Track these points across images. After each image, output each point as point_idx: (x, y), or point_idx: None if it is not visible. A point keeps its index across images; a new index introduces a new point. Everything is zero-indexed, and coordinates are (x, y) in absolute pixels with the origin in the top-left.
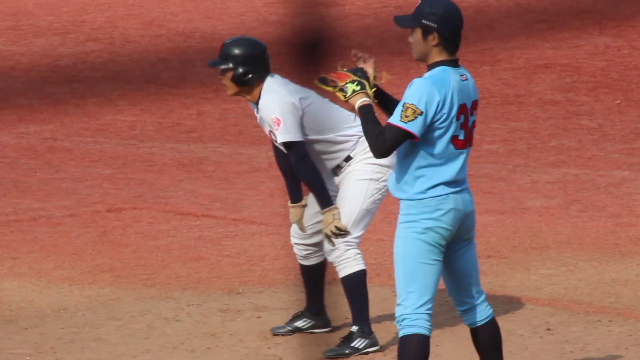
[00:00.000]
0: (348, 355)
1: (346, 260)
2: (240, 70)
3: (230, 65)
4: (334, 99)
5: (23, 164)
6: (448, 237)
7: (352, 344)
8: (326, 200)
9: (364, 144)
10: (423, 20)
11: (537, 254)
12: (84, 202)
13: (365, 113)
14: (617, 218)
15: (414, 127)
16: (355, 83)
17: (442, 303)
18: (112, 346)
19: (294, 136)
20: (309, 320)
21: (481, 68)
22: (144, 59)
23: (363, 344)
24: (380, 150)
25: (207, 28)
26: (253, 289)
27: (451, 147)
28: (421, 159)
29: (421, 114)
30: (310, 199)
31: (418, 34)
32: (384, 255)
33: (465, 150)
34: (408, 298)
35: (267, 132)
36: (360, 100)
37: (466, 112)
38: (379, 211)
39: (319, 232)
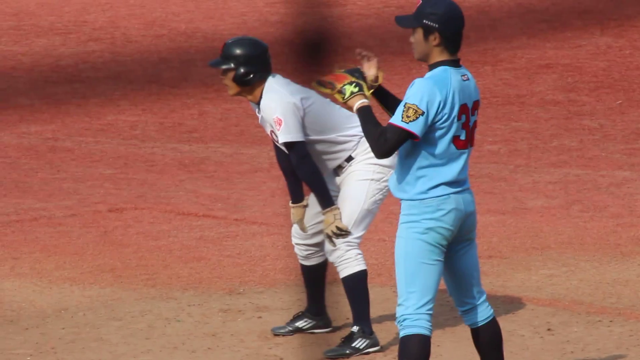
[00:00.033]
0: (349, 355)
1: (347, 260)
2: (242, 70)
3: (232, 65)
4: (333, 100)
5: (24, 164)
6: (449, 238)
7: (353, 344)
8: (327, 201)
9: (365, 144)
10: (424, 20)
11: (538, 254)
12: (85, 202)
13: (364, 114)
14: (618, 218)
15: (416, 127)
16: (353, 84)
17: (443, 303)
18: (113, 346)
19: (295, 136)
20: (309, 321)
21: (483, 68)
22: (146, 59)
23: (364, 344)
24: (381, 150)
25: (209, 28)
26: (254, 289)
27: (452, 147)
28: (422, 159)
29: (422, 114)
30: (312, 199)
31: (419, 34)
32: (385, 256)
33: (466, 150)
34: (409, 298)
35: (269, 132)
36: (359, 102)
37: (467, 112)
38: (380, 211)
39: (320, 232)
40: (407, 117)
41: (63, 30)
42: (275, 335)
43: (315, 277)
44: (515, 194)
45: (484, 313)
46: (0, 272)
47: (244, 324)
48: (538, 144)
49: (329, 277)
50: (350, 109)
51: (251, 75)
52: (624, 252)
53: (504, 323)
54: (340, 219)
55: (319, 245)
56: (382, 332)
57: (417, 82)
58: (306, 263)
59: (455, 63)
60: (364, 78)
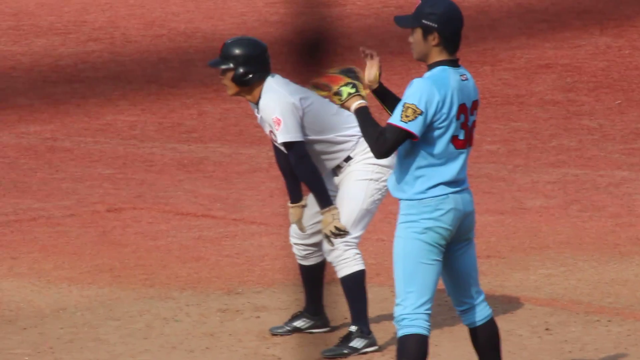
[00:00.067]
0: (347, 355)
1: (345, 260)
2: (241, 70)
3: (231, 65)
4: (331, 102)
5: (23, 164)
6: (448, 237)
7: (351, 344)
8: (326, 201)
9: (363, 144)
10: (423, 20)
11: (536, 254)
12: (84, 202)
13: (362, 115)
14: (616, 218)
15: (414, 127)
16: (350, 85)
17: (441, 303)
18: (111, 346)
19: (294, 136)
20: (307, 320)
21: (482, 68)
22: (145, 59)
23: (362, 344)
24: (381, 150)
25: (208, 28)
26: (252, 289)
27: (451, 147)
28: (421, 159)
29: (421, 113)
30: (310, 199)
31: (418, 34)
32: (384, 255)
33: (465, 150)
34: (407, 298)
35: (268, 132)
36: (356, 103)
37: (466, 112)
38: (378, 211)
39: (318, 232)
40: (406, 116)
41: (62, 30)
42: (274, 335)
43: (314, 277)
44: (514, 193)
45: (482, 313)
46: None
47: (242, 323)
48: (537, 143)
49: (327, 277)
50: (348, 110)
51: (250, 75)
52: (622, 251)
53: (502, 323)
54: (339, 218)
55: (318, 245)
56: (380, 331)
57: (416, 82)
58: (304, 263)
59: (454, 63)
60: (358, 78)
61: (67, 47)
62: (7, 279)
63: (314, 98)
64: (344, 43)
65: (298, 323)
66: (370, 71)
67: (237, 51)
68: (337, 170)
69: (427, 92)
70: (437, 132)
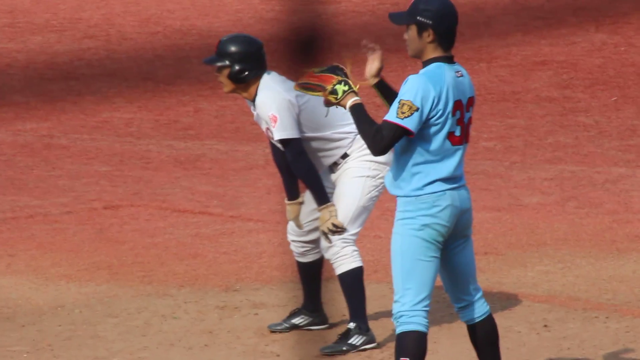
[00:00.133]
0: (345, 352)
1: (343, 257)
2: (237, 67)
3: (227, 62)
4: (326, 101)
5: (20, 161)
6: (445, 234)
7: (350, 341)
8: (323, 198)
9: (360, 141)
10: (418, 17)
11: (534, 250)
12: (81, 199)
13: (358, 112)
14: (614, 215)
15: (410, 124)
16: (343, 83)
17: (439, 300)
18: (110, 343)
19: (290, 133)
20: (306, 317)
21: (478, 65)
22: (141, 56)
23: (360, 341)
24: (378, 148)
25: (204, 25)
26: (250, 286)
27: (447, 143)
28: (418, 155)
29: (417, 110)
30: (307, 196)
31: (413, 30)
32: (381, 252)
33: (461, 146)
34: (405, 295)
35: (264, 130)
36: (351, 100)
37: (462, 108)
38: (375, 208)
39: (315, 229)
40: (402, 113)
41: (58, 28)
42: (272, 332)
43: (312, 274)
44: (511, 190)
45: (480, 309)
46: None
47: (240, 320)
48: (533, 140)
49: (325, 274)
50: (343, 107)
51: (246, 73)
52: (619, 248)
53: (500, 319)
54: (336, 215)
55: (315, 242)
56: (378, 328)
57: (411, 78)
58: (302, 260)
59: (449, 59)
60: (346, 75)
61: (63, 44)
62: (4, 276)
63: (310, 95)
64: (340, 40)
65: (296, 320)
66: (372, 65)
67: (233, 48)
68: (334, 167)
69: (422, 88)
70: (433, 129)
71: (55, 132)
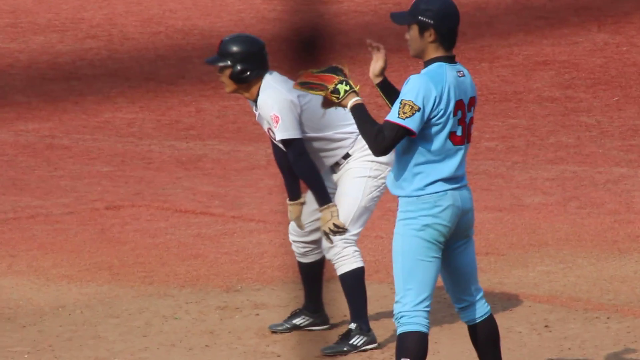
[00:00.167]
0: (346, 352)
1: (344, 257)
2: (239, 67)
3: (229, 62)
4: (327, 101)
5: (21, 161)
6: (447, 234)
7: (351, 342)
8: (324, 198)
9: (362, 142)
10: (419, 17)
11: (535, 251)
12: (82, 199)
13: (359, 112)
14: (615, 215)
15: (412, 124)
16: (344, 83)
17: (440, 300)
18: (111, 344)
19: (292, 133)
20: (307, 318)
21: (480, 65)
22: (143, 57)
23: (361, 341)
24: (379, 148)
25: (206, 25)
26: (251, 286)
27: (449, 143)
28: (419, 155)
29: (419, 110)
30: (309, 197)
31: (415, 30)
32: (382, 253)
33: (463, 146)
34: (406, 295)
35: (266, 130)
36: (353, 100)
37: (463, 108)
38: (377, 208)
39: (317, 229)
40: (404, 113)
41: (60, 28)
42: (273, 332)
43: (313, 274)
44: (513, 190)
45: (481, 310)
46: None
47: (241, 321)
48: (535, 140)
49: (326, 275)
50: (344, 108)
51: (248, 73)
52: (621, 248)
53: (501, 320)
54: (338, 216)
55: (317, 243)
56: (379, 329)
57: (413, 78)
58: (303, 260)
59: (450, 59)
60: (345, 75)
61: (65, 44)
62: (6, 277)
63: (312, 95)
64: (341, 40)
65: (297, 320)
66: (376, 65)
67: (234, 48)
68: (335, 167)
69: (424, 88)
70: (434, 129)
71: (57, 133)
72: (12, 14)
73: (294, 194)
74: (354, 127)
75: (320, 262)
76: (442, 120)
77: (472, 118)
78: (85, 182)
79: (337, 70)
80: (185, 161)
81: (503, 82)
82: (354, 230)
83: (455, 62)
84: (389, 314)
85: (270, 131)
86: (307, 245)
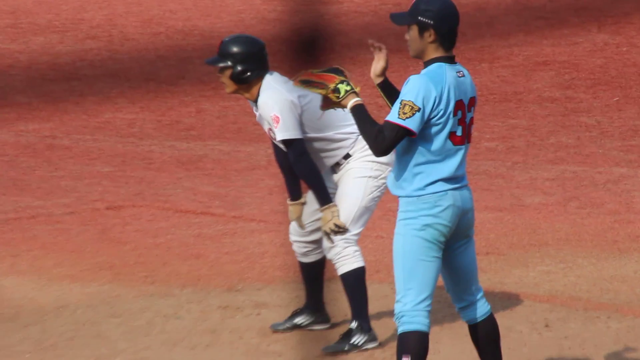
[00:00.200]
0: (347, 351)
1: (345, 257)
2: (239, 68)
3: (229, 63)
4: (327, 100)
5: (22, 162)
6: (447, 234)
7: (352, 341)
8: (325, 198)
9: (362, 142)
10: (419, 17)
11: (535, 250)
12: (83, 199)
13: (360, 113)
14: (615, 215)
15: (412, 124)
16: (345, 83)
17: (441, 300)
18: (113, 343)
19: (293, 134)
20: (308, 317)
21: (480, 65)
22: (143, 57)
23: (362, 340)
24: (380, 148)
25: (206, 26)
26: (252, 286)
27: (449, 143)
28: (419, 155)
29: (419, 110)
30: (309, 197)
31: (414, 31)
32: (383, 252)
33: (463, 146)
34: (407, 295)
35: (267, 130)
36: (353, 100)
37: (463, 108)
38: (377, 208)
39: (318, 229)
40: (404, 113)
41: (60, 28)
42: (274, 331)
43: (314, 274)
44: (513, 190)
45: (481, 309)
46: (0, 269)
47: (242, 320)
48: (535, 141)
49: (327, 274)
50: (343, 108)
51: (248, 73)
52: (621, 248)
53: (502, 319)
54: (338, 216)
55: (317, 243)
56: (380, 328)
57: (413, 78)
58: (304, 260)
59: (450, 59)
60: (346, 76)
61: (65, 45)
62: (7, 277)
63: (312, 96)
64: (341, 40)
65: (298, 320)
66: (377, 65)
67: (235, 49)
68: (336, 167)
69: (424, 88)
70: (434, 129)
71: (57, 133)
72: (12, 15)
73: (295, 194)
74: (354, 128)
75: (321, 262)
76: (442, 120)
77: (472, 118)
78: (86, 182)
79: (338, 71)
80: (185, 161)
81: (503, 82)
82: (355, 230)
83: (455, 63)
84: (390, 314)
85: (270, 131)
86: (307, 245)
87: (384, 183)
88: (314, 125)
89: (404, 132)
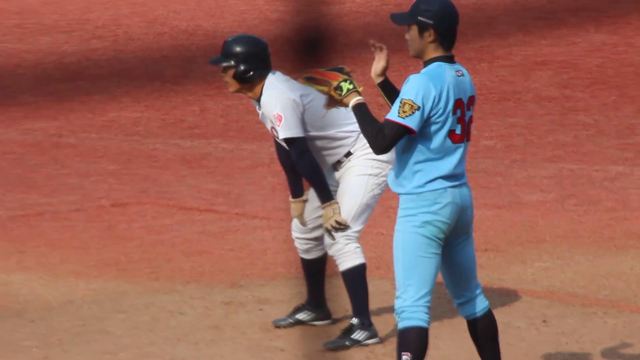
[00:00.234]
0: (348, 346)
1: (346, 253)
2: (242, 67)
3: (232, 62)
4: (330, 98)
5: (29, 159)
6: (446, 231)
7: (352, 336)
8: (326, 195)
9: (363, 140)
10: (419, 17)
11: (533, 247)
12: (89, 197)
13: (361, 111)
14: (612, 212)
15: (412, 122)
16: (348, 82)
17: (440, 296)
18: (118, 338)
19: (295, 132)
20: (310, 313)
21: (479, 65)
22: (148, 57)
23: (363, 336)
24: (380, 146)
25: (210, 26)
26: (255, 282)
27: (448, 141)
28: (419, 153)
29: (418, 108)
30: (311, 194)
31: (414, 30)
32: (384, 249)
33: (462, 144)
34: (407, 291)
35: (269, 129)
36: (355, 99)
37: (462, 107)
38: (378, 205)
39: (319, 226)
40: (403, 112)
41: (66, 28)
42: (277, 327)
43: (315, 270)
44: (511, 188)
45: (479, 305)
46: (7, 265)
47: (245, 316)
48: (533, 139)
49: (328, 270)
50: (345, 106)
51: (251, 73)
52: (617, 245)
53: (500, 315)
54: (339, 213)
55: (319, 239)
56: (381, 324)
57: (412, 77)
58: (306, 257)
59: (449, 59)
60: (350, 75)
61: (71, 44)
62: (15, 273)
63: (315, 95)
64: (343, 40)
65: (300, 315)
66: (378, 64)
67: (238, 49)
68: (337, 165)
69: (423, 87)
70: (434, 127)
71: (63, 131)
72: (18, 15)
73: (297, 192)
74: (355, 126)
75: (322, 259)
76: (441, 119)
77: (471, 117)
78: (92, 180)
79: (341, 71)
80: (189, 159)
81: (502, 81)
82: (356, 227)
83: (455, 62)
84: (390, 309)
85: (273, 130)
86: (309, 241)
87: (385, 181)
88: (316, 124)
89: (404, 131)
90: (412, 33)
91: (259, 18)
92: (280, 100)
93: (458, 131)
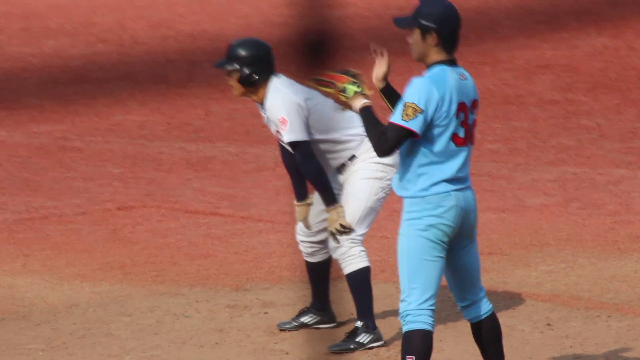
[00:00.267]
0: (353, 350)
1: (351, 257)
2: (246, 71)
3: (236, 66)
4: (336, 100)
5: (35, 163)
6: (450, 234)
7: (357, 339)
8: (331, 199)
9: (367, 144)
10: (421, 21)
11: (537, 250)
12: (94, 200)
13: (366, 114)
14: (615, 215)
15: (415, 125)
16: (355, 84)
17: (445, 299)
18: (123, 341)
19: (300, 136)
20: (314, 316)
21: (482, 68)
22: (153, 60)
23: (367, 339)
24: (383, 149)
25: (214, 29)
26: (260, 285)
27: (451, 144)
28: (422, 157)
29: (421, 112)
30: (316, 198)
31: (417, 34)
32: (388, 252)
33: (466, 147)
34: (411, 294)
35: (274, 132)
36: (361, 102)
37: (465, 110)
38: (382, 209)
39: (324, 229)
40: (407, 115)
41: (72, 32)
42: (281, 330)
43: (320, 273)
44: (515, 191)
45: (483, 308)
46: (12, 269)
47: (250, 319)
48: (537, 142)
49: (333, 274)
50: (351, 108)
51: (255, 76)
52: (621, 248)
53: (504, 318)
54: (344, 216)
55: (323, 243)
56: (385, 327)
57: (415, 81)
58: (311, 260)
59: (452, 62)
60: (358, 78)
61: (77, 48)
62: (20, 276)
63: (319, 99)
64: (347, 44)
65: (305, 319)
66: (379, 70)
67: (242, 52)
68: (341, 169)
69: (426, 90)
70: (437, 130)
71: (69, 135)
72: (25, 19)
73: (301, 195)
74: (360, 130)
75: (327, 262)
76: (444, 122)
77: (474, 120)
78: (98, 183)
79: (349, 74)
80: (194, 163)
81: (505, 85)
82: (360, 230)
83: (457, 65)
84: (395, 313)
85: (278, 133)
86: (314, 245)
87: (389, 184)
88: (320, 128)
89: (407, 134)
90: (415, 37)
91: (264, 22)
92: (284, 104)
93: (461, 134)
